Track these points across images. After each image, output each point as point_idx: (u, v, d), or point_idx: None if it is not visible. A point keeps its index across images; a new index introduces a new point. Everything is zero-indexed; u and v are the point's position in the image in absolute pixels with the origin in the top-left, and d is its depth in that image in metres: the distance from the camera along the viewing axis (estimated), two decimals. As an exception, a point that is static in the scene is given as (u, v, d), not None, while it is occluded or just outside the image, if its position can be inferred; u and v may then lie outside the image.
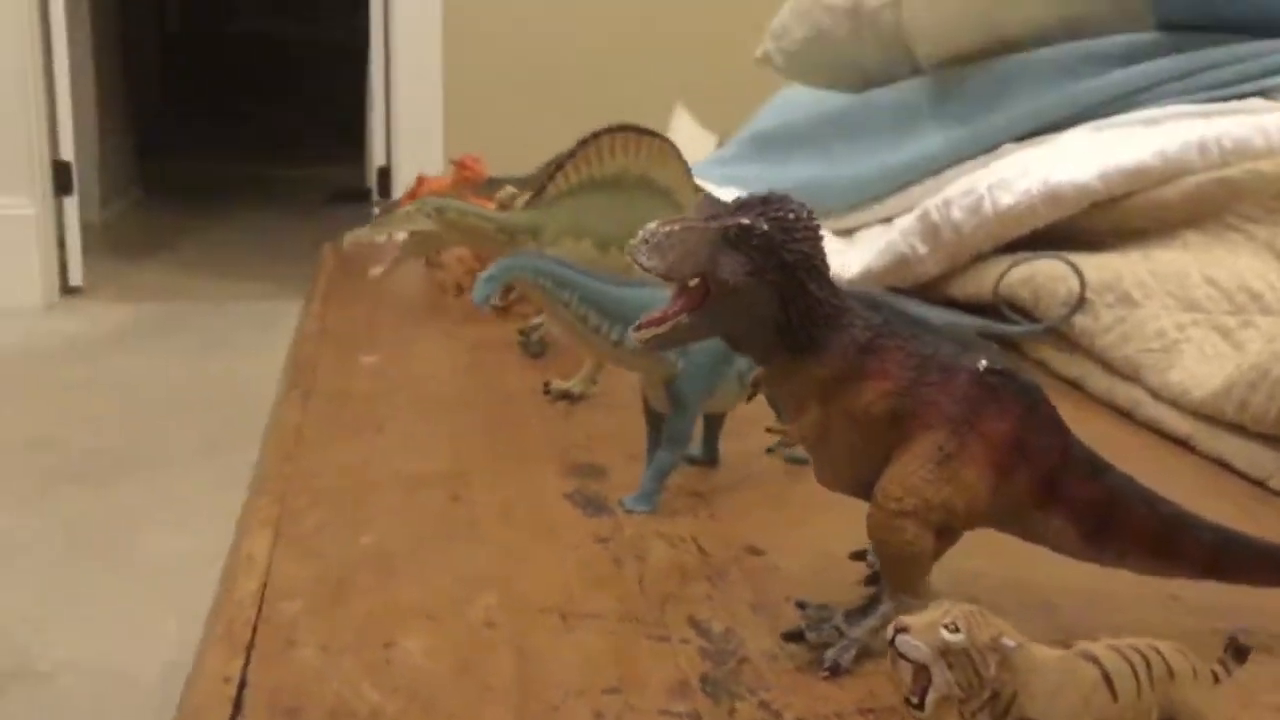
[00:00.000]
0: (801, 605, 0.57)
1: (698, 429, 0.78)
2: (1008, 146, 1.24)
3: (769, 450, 0.56)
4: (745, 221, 0.51)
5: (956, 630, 0.40)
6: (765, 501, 0.75)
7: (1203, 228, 0.98)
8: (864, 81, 1.51)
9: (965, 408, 0.53)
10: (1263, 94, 1.11)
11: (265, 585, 0.62)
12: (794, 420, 0.54)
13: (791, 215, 0.52)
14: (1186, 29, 1.20)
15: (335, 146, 5.52)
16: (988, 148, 1.26)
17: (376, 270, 1.07)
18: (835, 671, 0.54)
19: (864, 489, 0.56)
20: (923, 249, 1.13)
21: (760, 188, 1.33)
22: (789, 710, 0.52)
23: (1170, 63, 1.18)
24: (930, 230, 1.12)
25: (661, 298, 0.71)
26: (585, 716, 0.51)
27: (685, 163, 0.93)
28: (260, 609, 0.60)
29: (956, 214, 1.10)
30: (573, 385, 0.93)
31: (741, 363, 0.73)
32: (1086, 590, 0.62)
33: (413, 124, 3.37)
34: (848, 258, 1.23)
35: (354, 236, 0.99)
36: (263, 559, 0.65)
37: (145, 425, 2.46)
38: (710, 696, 0.53)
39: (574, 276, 0.68)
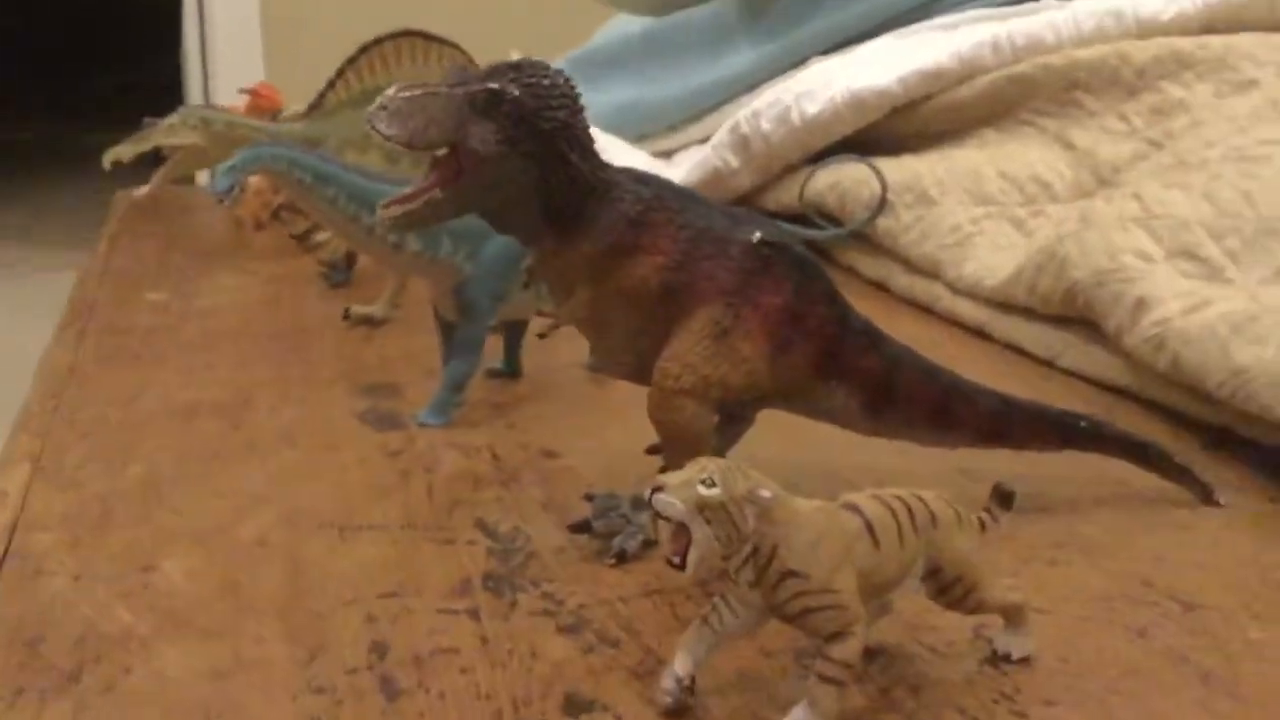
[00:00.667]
0: (589, 498, 0.55)
1: (498, 342, 0.75)
2: (814, 59, 1.24)
3: (540, 336, 0.54)
4: (494, 86, 0.48)
5: (713, 485, 0.38)
6: (567, 410, 0.73)
7: (998, 125, 0.99)
8: (678, 3, 1.48)
9: (740, 280, 0.52)
10: (1058, -3, 1.13)
11: (17, 520, 0.58)
12: (566, 297, 0.52)
13: (546, 81, 0.50)
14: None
15: (147, 111, 5.25)
16: (796, 62, 1.25)
17: (141, 190, 1.00)
18: (622, 559, 0.53)
19: (645, 373, 0.55)
20: (735, 161, 1.12)
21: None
22: (572, 598, 0.50)
23: (969, -31, 1.19)
24: (740, 142, 1.11)
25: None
26: (357, 622, 0.49)
27: (477, 67, 0.90)
28: (9, 543, 0.55)
29: (765, 125, 1.10)
30: (374, 310, 0.90)
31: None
32: (881, 469, 0.61)
33: (231, 81, 3.22)
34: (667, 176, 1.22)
35: (114, 154, 0.93)
36: (16, 493, 0.60)
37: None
38: (492, 591, 0.51)
39: (336, 170, 0.64)
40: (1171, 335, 0.66)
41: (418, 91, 0.48)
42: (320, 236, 0.99)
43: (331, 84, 0.85)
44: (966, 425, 0.57)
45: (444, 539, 0.56)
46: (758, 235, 0.52)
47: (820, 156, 1.09)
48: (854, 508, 0.41)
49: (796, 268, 0.53)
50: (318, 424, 0.70)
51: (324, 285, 1.01)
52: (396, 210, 0.50)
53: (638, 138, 1.37)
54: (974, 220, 0.91)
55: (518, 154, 0.49)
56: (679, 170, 1.24)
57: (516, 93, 0.49)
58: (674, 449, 0.53)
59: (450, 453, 0.66)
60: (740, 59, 1.32)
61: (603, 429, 0.70)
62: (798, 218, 1.06)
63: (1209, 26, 0.95)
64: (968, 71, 1.02)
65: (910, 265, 0.94)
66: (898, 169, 0.98)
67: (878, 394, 0.56)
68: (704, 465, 0.39)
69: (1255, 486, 0.61)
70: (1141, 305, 0.69)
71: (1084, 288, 0.74)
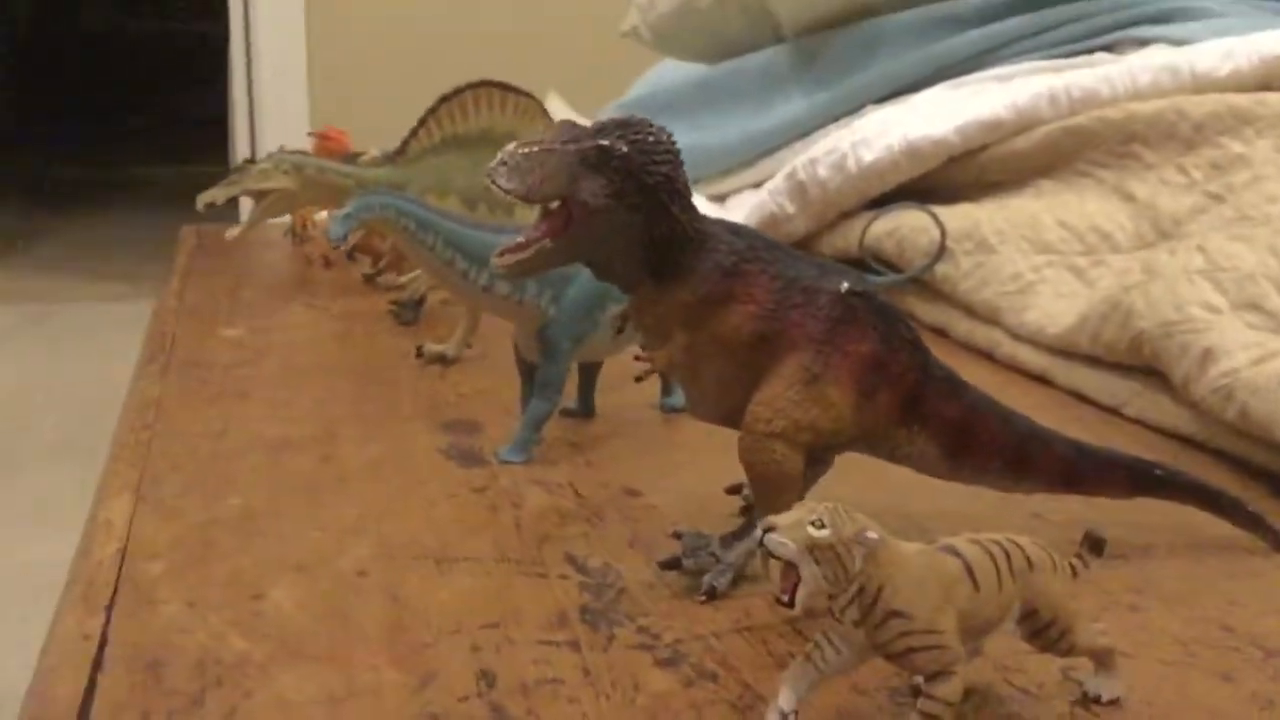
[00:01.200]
0: (677, 535, 0.57)
1: (572, 381, 0.78)
2: (869, 108, 1.26)
3: (637, 379, 0.56)
4: (604, 143, 0.51)
5: (822, 526, 0.40)
6: (642, 448, 0.75)
7: (1055, 175, 1.02)
8: (728, 51, 1.52)
9: (828, 328, 0.54)
10: (1109, 49, 1.15)
11: (125, 548, 0.60)
12: (659, 345, 0.54)
13: (650, 138, 0.52)
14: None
15: (196, 144, 5.36)
16: (850, 110, 1.28)
17: (233, 231, 1.04)
18: (712, 595, 0.54)
19: (735, 417, 0.57)
20: (791, 207, 1.15)
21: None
22: (668, 633, 0.52)
23: (1021, 21, 1.22)
24: (797, 189, 1.14)
25: (528, 240, 0.71)
26: (463, 651, 0.50)
27: (550, 118, 0.93)
28: (120, 569, 0.58)
29: (822, 172, 1.12)
30: (446, 348, 0.92)
31: (614, 309, 0.73)
32: (954, 513, 0.63)
33: (277, 115, 3.29)
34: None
35: (207, 197, 0.96)
36: (121, 523, 0.63)
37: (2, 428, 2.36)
38: (590, 625, 0.53)
39: (436, 218, 0.67)
40: (1240, 386, 0.67)
41: (534, 148, 0.50)
42: (402, 278, 1.02)
43: (415, 132, 0.89)
44: (1042, 471, 0.59)
45: (537, 573, 0.58)
46: (845, 285, 0.55)
47: (877, 204, 1.12)
48: (954, 551, 0.43)
49: (881, 316, 0.55)
50: (403, 459, 0.73)
51: (393, 323, 1.04)
52: (510, 259, 0.52)
53: (692, 182, 1.39)
54: (1035, 269, 0.93)
55: (624, 206, 0.51)
56: (734, 215, 1.26)
57: (625, 149, 0.51)
58: (764, 490, 0.55)
59: (534, 489, 0.68)
60: (793, 106, 1.35)
61: (679, 468, 0.72)
62: (855, 264, 1.08)
63: (1265, 83, 0.97)
64: (1024, 123, 1.04)
65: (970, 311, 0.96)
66: (956, 217, 1.00)
67: (957, 440, 0.57)
68: (813, 507, 0.41)
69: (1326, 536, 0.62)
70: (1209, 356, 0.71)
71: (1150, 338, 0.75)
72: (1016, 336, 0.90)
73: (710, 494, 0.67)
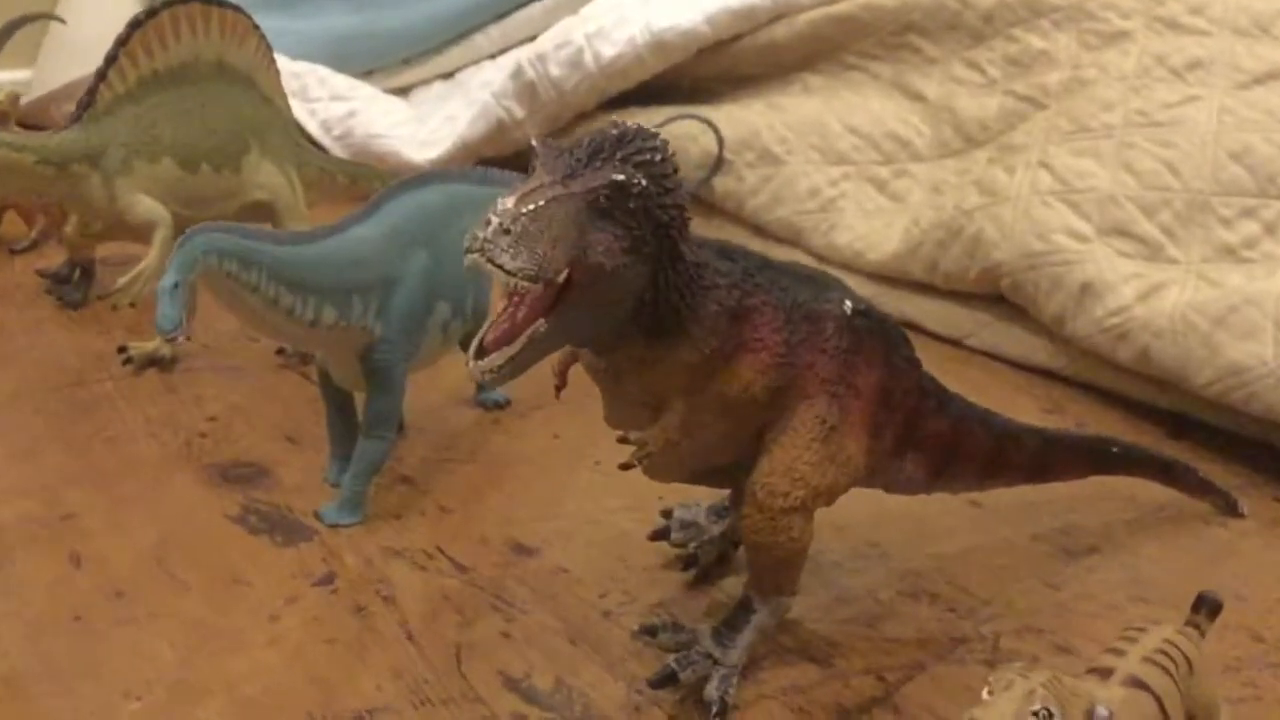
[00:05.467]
0: (650, 631, 0.45)
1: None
2: (578, -16, 1.11)
3: (623, 468, 0.42)
4: (619, 179, 0.36)
5: (1050, 717, 0.30)
6: (494, 474, 0.61)
7: (820, 69, 0.93)
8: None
9: (839, 365, 0.43)
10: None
11: None
12: (650, 420, 0.41)
13: (659, 156, 0.37)
14: None
15: None
16: (557, -15, 1.13)
17: None
18: (724, 713, 0.43)
19: (713, 476, 0.45)
20: (520, 111, 0.99)
21: (289, 44, 1.10)
22: (703, 789, 0.40)
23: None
24: (526, 89, 0.99)
25: (356, 244, 0.53)
26: None
27: (263, 35, 0.72)
28: None
29: (555, 70, 0.98)
30: (160, 345, 0.71)
31: (443, 307, 0.58)
32: (901, 516, 0.55)
33: None
34: (425, 128, 1.07)
35: None
36: None
37: None
38: (597, 798, 0.40)
39: (259, 247, 0.48)
40: (1135, 326, 0.64)
41: (540, 202, 0.34)
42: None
43: (103, 75, 0.64)
44: (1015, 469, 0.52)
45: (480, 716, 0.44)
46: (848, 306, 0.43)
47: (615, 102, 0.99)
48: (1141, 684, 0.34)
49: (884, 336, 0.45)
50: (190, 541, 0.54)
51: (56, 307, 0.80)
52: (498, 359, 0.36)
53: (364, 73, 1.19)
54: (832, 182, 0.85)
55: (639, 258, 0.37)
56: (437, 120, 1.09)
57: (643, 182, 0.36)
58: (773, 571, 0.44)
59: (397, 566, 0.52)
60: (485, -18, 1.17)
61: (558, 501, 0.58)
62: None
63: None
64: (781, 9, 0.95)
65: (761, 231, 0.87)
66: (730, 123, 0.90)
67: (944, 457, 0.49)
68: (1030, 690, 0.30)
69: (1255, 485, 0.60)
70: (1088, 291, 0.66)
71: (1010, 269, 0.70)
72: (825, 260, 0.83)
73: (616, 537, 0.55)
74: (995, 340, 0.73)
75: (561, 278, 0.35)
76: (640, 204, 0.36)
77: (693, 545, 0.51)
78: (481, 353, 0.36)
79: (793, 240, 0.85)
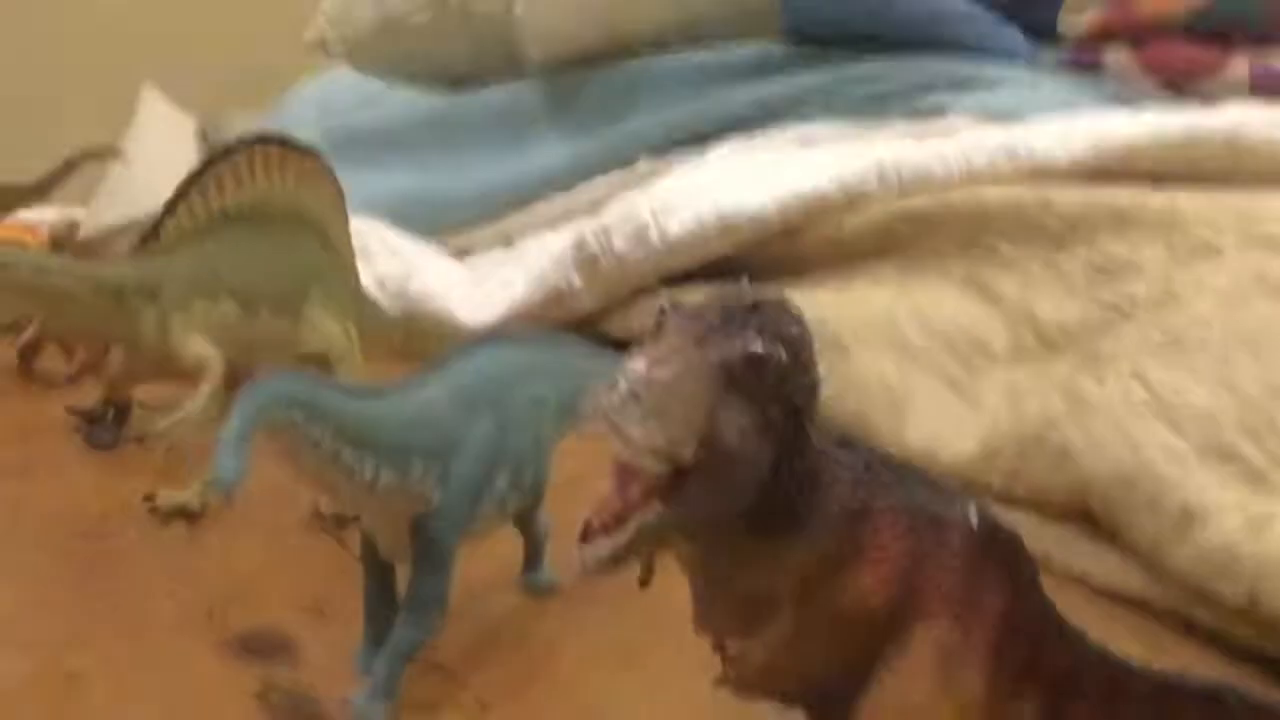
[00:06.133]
0: None
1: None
2: (644, 162, 1.12)
3: (720, 683, 0.38)
4: (758, 351, 0.32)
5: None
6: (533, 663, 0.55)
7: (889, 260, 0.91)
8: (450, 78, 1.31)
9: (965, 583, 0.38)
10: (911, 115, 1.07)
11: None
12: (748, 628, 0.36)
13: (796, 330, 0.34)
14: (816, 41, 1.14)
15: None
16: (621, 161, 1.13)
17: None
18: None
19: (807, 697, 0.40)
20: (579, 281, 0.97)
21: (354, 200, 1.09)
22: None
23: (810, 78, 1.11)
24: (588, 261, 0.97)
25: (421, 403, 0.49)
26: None
27: (338, 184, 0.70)
28: None
29: (619, 243, 0.96)
30: (190, 497, 0.67)
31: (503, 478, 0.53)
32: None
33: None
34: (480, 291, 1.05)
35: None
36: None
37: None
38: None
39: (329, 400, 0.44)
40: (1241, 561, 0.59)
41: (677, 369, 0.30)
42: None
43: (171, 209, 0.62)
44: (1130, 716, 0.46)
45: None
46: (974, 517, 0.39)
47: (678, 279, 0.97)
48: None
49: (1011, 551, 0.40)
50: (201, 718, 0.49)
51: (86, 446, 0.76)
52: (606, 549, 0.32)
53: (422, 234, 1.18)
54: (903, 377, 0.82)
55: (768, 443, 0.33)
56: (493, 282, 1.07)
57: (783, 355, 0.33)
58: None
59: (431, 771, 0.47)
60: (551, 153, 1.18)
61: (603, 710, 0.52)
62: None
63: (1100, 170, 0.92)
64: (851, 200, 0.93)
65: (829, 423, 0.83)
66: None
67: (1059, 697, 0.43)
68: None
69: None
70: (1189, 517, 0.62)
71: (1102, 485, 0.66)
72: (895, 459, 0.78)
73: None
74: (1083, 564, 0.68)
75: (688, 458, 0.31)
76: (776, 381, 0.33)
77: None
78: (586, 538, 0.32)
79: (860, 434, 0.81)
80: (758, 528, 0.34)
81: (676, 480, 0.32)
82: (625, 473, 0.32)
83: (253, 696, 0.51)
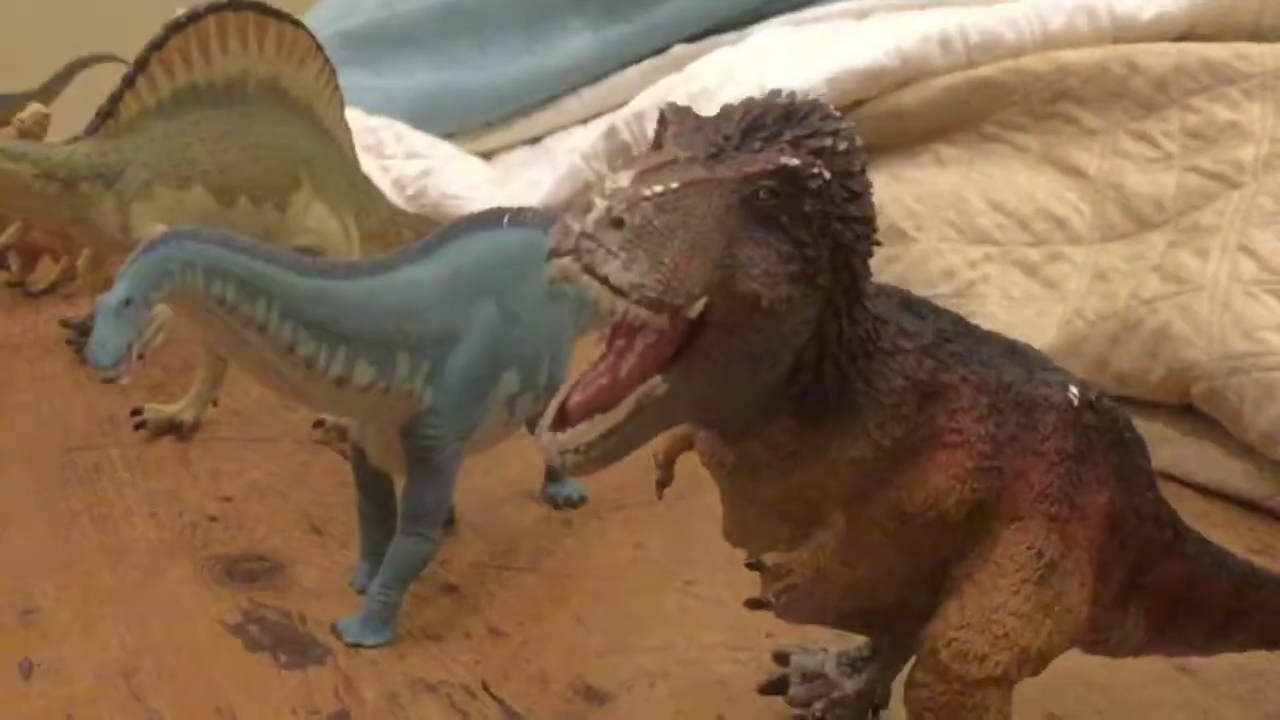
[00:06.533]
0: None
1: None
2: (680, 49, 1.03)
3: (752, 604, 0.30)
4: (792, 163, 0.24)
5: None
6: (556, 586, 0.49)
7: (954, 140, 0.82)
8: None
9: (1061, 475, 0.30)
10: (974, -18, 0.97)
11: None
12: (793, 539, 0.29)
13: (844, 144, 0.26)
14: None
15: None
16: (654, 49, 1.04)
17: None
18: None
19: (865, 618, 0.32)
20: (611, 175, 0.89)
21: (369, 100, 1.01)
22: None
23: (861, -55, 1.01)
24: (620, 150, 0.89)
25: (408, 287, 0.42)
26: None
27: (327, 59, 0.62)
28: None
29: (653, 130, 0.87)
30: (181, 409, 0.61)
31: (511, 377, 0.46)
32: (1088, 684, 0.42)
33: None
34: (505, 191, 0.97)
35: None
36: None
37: None
38: None
39: (271, 272, 0.37)
40: (1378, 451, 0.50)
41: (672, 184, 0.23)
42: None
43: (130, 82, 0.55)
44: (1253, 630, 0.39)
45: None
46: (1074, 391, 0.31)
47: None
48: None
49: (1118, 437, 0.32)
50: (172, 653, 0.42)
51: (74, 359, 0.70)
52: (588, 432, 0.24)
53: (445, 134, 1.10)
54: (972, 264, 0.73)
55: (810, 293, 0.25)
56: (515, 181, 1.00)
57: (826, 175, 0.25)
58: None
59: (430, 707, 0.40)
60: (578, 43, 1.09)
61: (639, 630, 0.45)
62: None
63: (1191, 29, 0.82)
64: (912, 73, 0.84)
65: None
66: (849, 193, 0.79)
67: (1172, 609, 0.36)
68: None
69: None
70: (1313, 404, 0.53)
71: (1207, 373, 0.57)
72: (963, 354, 0.70)
73: (714, 684, 0.42)
74: (1182, 460, 0.60)
75: (696, 310, 0.24)
76: (818, 208, 0.25)
77: (818, 706, 0.38)
78: (563, 421, 0.25)
79: (922, 330, 0.73)
80: (801, 412, 0.27)
81: (686, 343, 0.24)
82: (618, 333, 0.25)
83: (230, 627, 0.44)
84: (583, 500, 0.55)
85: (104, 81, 0.62)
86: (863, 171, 0.27)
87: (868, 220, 0.27)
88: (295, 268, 0.38)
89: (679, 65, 1.00)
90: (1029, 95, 0.79)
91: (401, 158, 0.99)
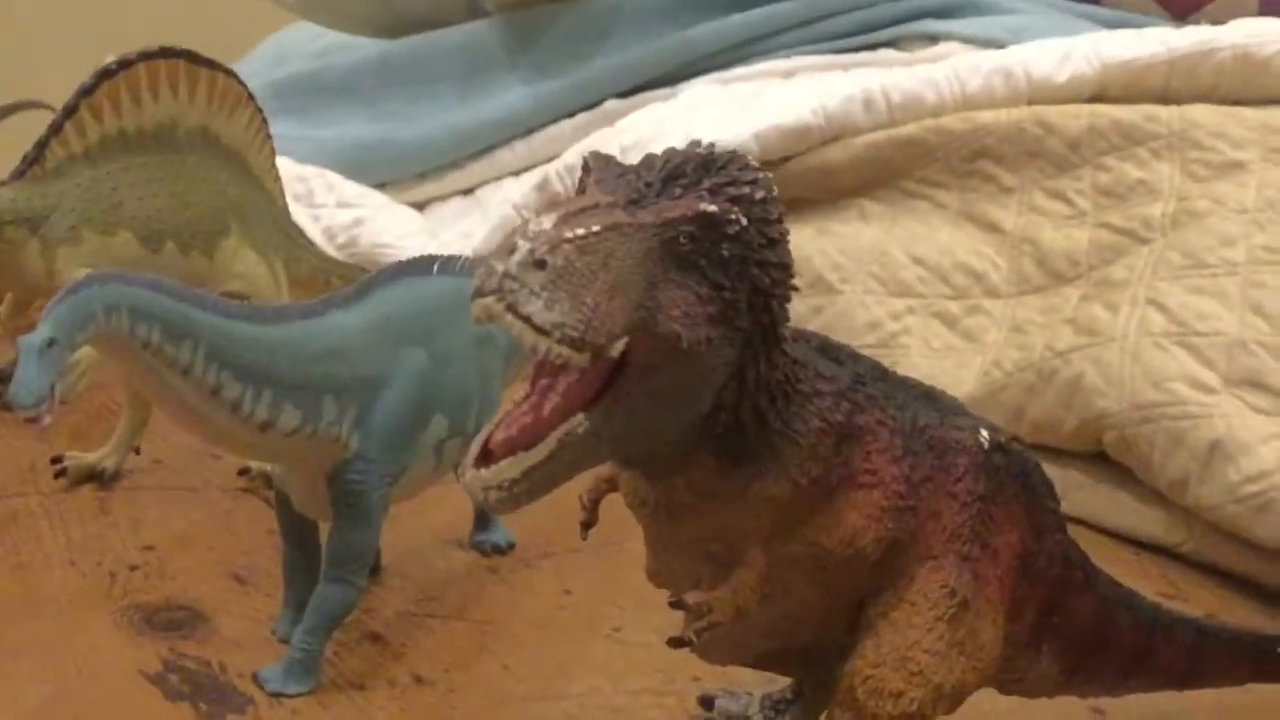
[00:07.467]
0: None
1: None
2: (612, 104, 1.04)
3: (674, 643, 0.31)
4: (710, 209, 0.25)
5: None
6: (482, 633, 0.48)
7: (877, 195, 0.84)
8: (398, 25, 1.23)
9: (972, 515, 0.31)
10: (893, 44, 1.00)
11: None
12: (714, 578, 0.29)
13: (760, 192, 0.27)
14: (792, -32, 1.06)
15: None
16: (587, 103, 1.05)
17: None
18: None
19: (783, 659, 0.33)
20: (543, 227, 0.90)
21: (301, 151, 1.01)
22: None
23: (786, 8, 1.03)
24: (552, 203, 0.89)
25: (335, 332, 0.42)
26: None
27: (258, 107, 0.62)
28: None
29: (585, 183, 0.88)
30: (103, 457, 0.60)
31: (439, 422, 0.46)
32: (1004, 714, 0.43)
33: None
34: (436, 241, 0.97)
35: None
36: None
37: None
38: None
39: (196, 314, 0.37)
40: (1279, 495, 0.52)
41: (594, 227, 0.23)
42: None
43: (58, 128, 0.55)
44: (1162, 670, 0.40)
45: None
46: (984, 435, 0.32)
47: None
48: None
49: (1026, 479, 0.33)
50: (88, 703, 0.42)
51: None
52: (511, 469, 0.25)
53: (377, 185, 1.10)
54: (895, 315, 0.75)
55: (729, 334, 0.26)
56: (444, 230, 1.00)
57: (744, 221, 0.25)
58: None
59: (352, 757, 0.40)
60: (512, 96, 1.10)
61: (564, 676, 0.46)
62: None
63: (1103, 91, 0.85)
64: (835, 131, 0.86)
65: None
66: (775, 246, 0.80)
67: (1084, 648, 0.37)
68: None
69: None
70: (1219, 452, 0.55)
71: (1118, 423, 0.59)
72: (887, 404, 0.71)
73: (624, 705, 0.42)
74: (1095, 506, 0.62)
75: (618, 350, 0.24)
76: (736, 252, 0.26)
77: None
78: (486, 459, 0.25)
79: (847, 380, 0.74)
80: (719, 452, 0.27)
81: (608, 383, 0.25)
82: (542, 375, 0.25)
83: (150, 677, 0.44)
84: (510, 547, 0.55)
85: (31, 128, 0.62)
86: (779, 220, 0.28)
87: (785, 266, 0.27)
88: (222, 311, 0.38)
89: (611, 119, 1.02)
90: (949, 153, 0.81)
91: (332, 206, 0.99)
